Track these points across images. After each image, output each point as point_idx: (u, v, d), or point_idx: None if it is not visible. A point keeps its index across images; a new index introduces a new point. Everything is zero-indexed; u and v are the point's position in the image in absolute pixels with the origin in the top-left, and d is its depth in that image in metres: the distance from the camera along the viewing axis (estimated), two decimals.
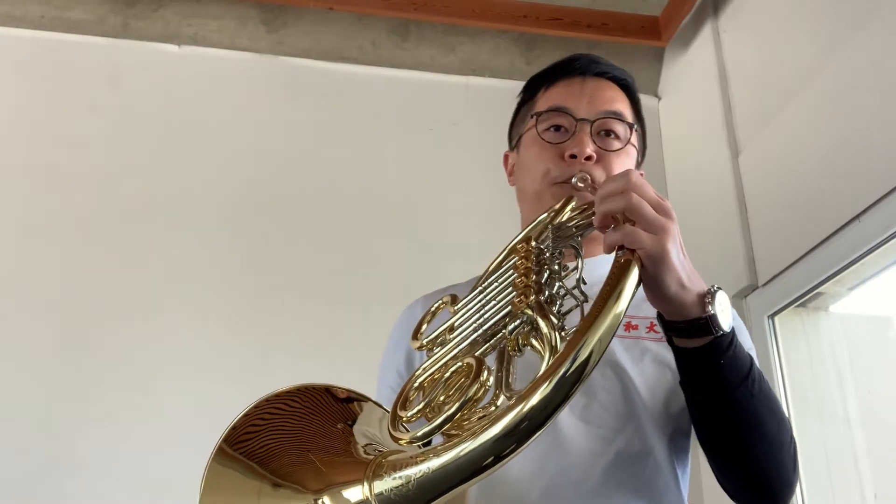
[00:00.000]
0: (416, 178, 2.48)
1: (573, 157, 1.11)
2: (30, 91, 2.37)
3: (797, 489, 1.94)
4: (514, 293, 0.83)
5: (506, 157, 1.30)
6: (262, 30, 2.54)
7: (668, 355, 1.04)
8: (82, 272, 2.19)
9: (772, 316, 2.10)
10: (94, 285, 2.18)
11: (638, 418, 1.02)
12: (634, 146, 1.18)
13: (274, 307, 2.23)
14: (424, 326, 1.01)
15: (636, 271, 0.79)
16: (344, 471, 0.75)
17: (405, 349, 1.16)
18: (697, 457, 2.53)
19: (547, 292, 0.82)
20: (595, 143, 1.12)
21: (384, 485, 0.70)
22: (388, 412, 0.83)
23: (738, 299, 2.20)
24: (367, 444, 0.79)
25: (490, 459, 0.64)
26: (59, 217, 2.23)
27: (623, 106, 1.19)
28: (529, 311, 0.79)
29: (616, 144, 1.15)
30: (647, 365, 1.06)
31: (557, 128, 1.15)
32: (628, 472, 1.00)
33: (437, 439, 0.72)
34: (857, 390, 1.99)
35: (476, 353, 0.81)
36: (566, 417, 1.01)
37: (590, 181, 1.06)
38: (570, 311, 0.81)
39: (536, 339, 0.78)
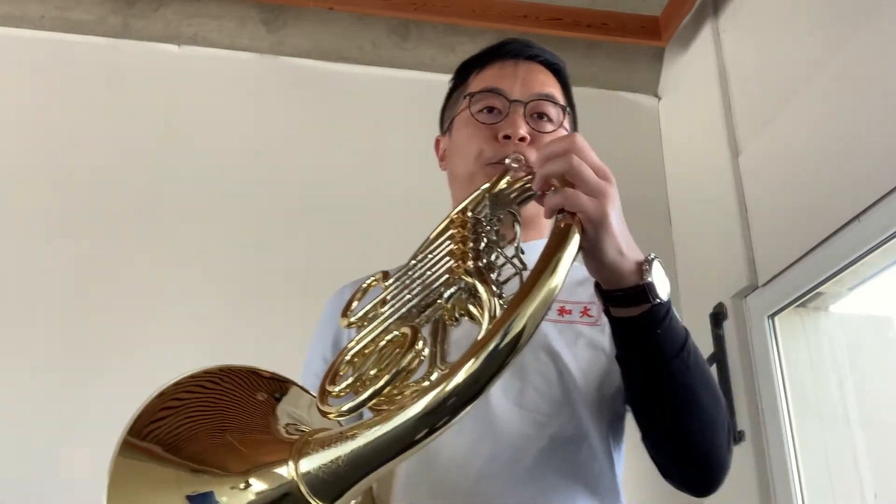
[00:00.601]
0: (416, 177, 2.47)
1: (507, 137, 1.10)
2: (30, 91, 2.37)
3: (797, 489, 1.94)
4: (451, 260, 0.80)
5: (437, 141, 1.30)
6: (262, 30, 2.54)
7: (602, 339, 1.06)
8: (82, 272, 2.19)
9: (772, 316, 2.10)
10: (94, 285, 2.18)
11: (572, 402, 1.02)
12: (566, 129, 1.17)
13: (274, 306, 2.23)
14: (355, 304, 0.97)
15: (577, 236, 0.78)
16: (267, 451, 0.72)
17: (332, 335, 1.15)
18: None
19: (485, 259, 0.80)
20: (528, 124, 1.12)
21: (311, 463, 0.67)
22: (314, 397, 0.80)
23: (738, 299, 2.20)
24: (289, 424, 0.77)
25: (423, 433, 0.63)
26: (59, 217, 2.23)
27: (555, 90, 1.18)
28: (468, 278, 0.77)
29: (549, 127, 1.14)
30: (581, 349, 1.06)
31: (490, 109, 1.14)
32: (563, 456, 1.00)
33: (369, 415, 0.70)
34: (857, 390, 1.99)
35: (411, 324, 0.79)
36: (500, 402, 1.00)
37: (524, 162, 1.04)
38: (508, 279, 0.79)
39: (475, 307, 0.76)
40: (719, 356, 2.21)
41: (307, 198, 2.39)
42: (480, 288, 0.75)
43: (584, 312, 1.09)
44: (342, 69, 2.57)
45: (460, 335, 0.81)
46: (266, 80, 2.52)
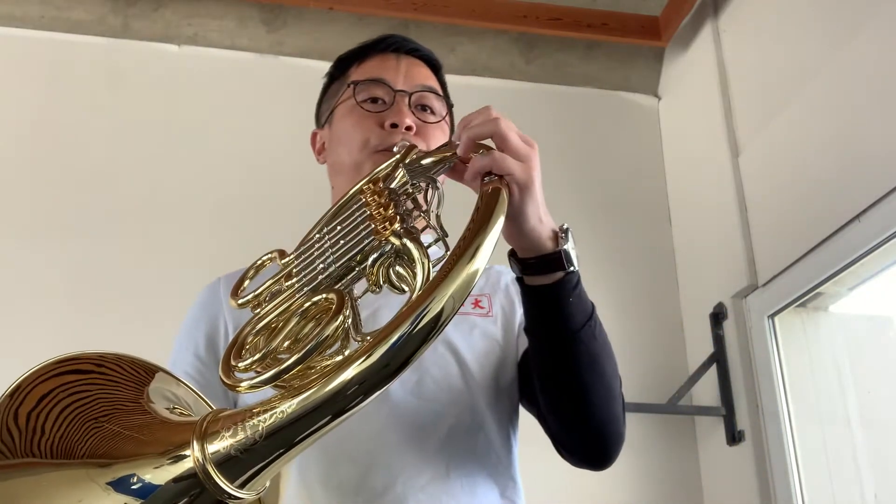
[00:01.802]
0: None
1: (394, 126, 1.09)
2: (30, 91, 2.37)
3: (797, 489, 1.94)
4: (374, 225, 0.77)
5: (314, 135, 1.27)
6: (262, 30, 2.54)
7: (495, 330, 1.08)
8: (81, 272, 2.19)
9: (772, 316, 2.10)
10: (93, 285, 2.18)
11: (471, 393, 1.03)
12: (447, 123, 1.17)
13: None
14: (247, 283, 0.92)
15: (506, 198, 0.77)
16: (167, 432, 0.66)
17: (206, 328, 1.11)
18: (698, 463, 2.52)
19: (409, 224, 0.77)
20: (414, 114, 1.12)
21: (222, 442, 0.62)
22: (184, 384, 0.75)
23: (738, 299, 2.20)
24: (172, 407, 0.71)
25: (355, 400, 0.60)
26: (59, 217, 2.23)
27: (435, 84, 1.19)
28: (395, 240, 0.74)
29: (432, 118, 1.14)
30: (477, 339, 1.07)
31: (375, 100, 1.14)
32: (462, 446, 1.01)
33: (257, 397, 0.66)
34: (857, 390, 1.99)
35: (335, 288, 0.76)
36: (398, 393, 1.01)
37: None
38: (429, 245, 0.77)
39: (405, 269, 0.74)
40: (719, 356, 2.21)
41: (307, 197, 2.38)
42: (412, 247, 0.73)
43: (476, 304, 1.11)
44: None
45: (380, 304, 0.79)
46: (266, 80, 2.52)
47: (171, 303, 2.20)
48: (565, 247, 0.88)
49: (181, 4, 2.49)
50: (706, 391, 2.25)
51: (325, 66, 2.77)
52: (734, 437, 2.12)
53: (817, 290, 1.98)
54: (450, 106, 1.20)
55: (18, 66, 2.39)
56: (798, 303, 2.03)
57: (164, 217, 2.29)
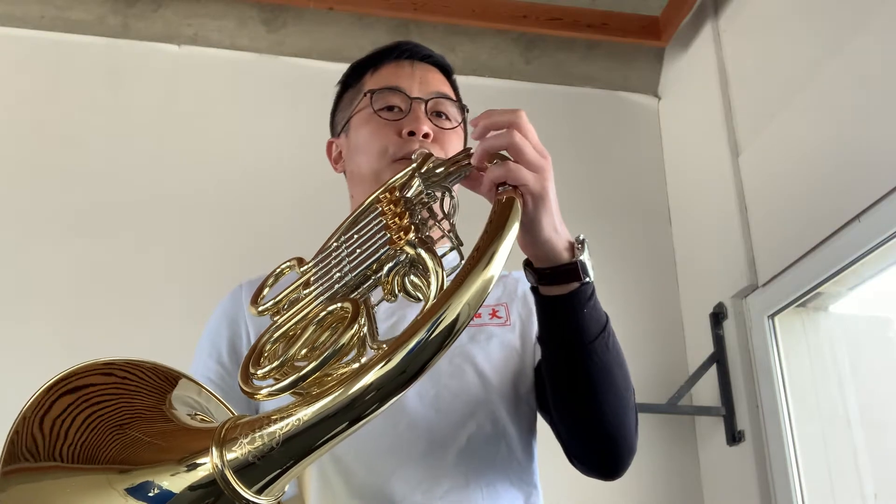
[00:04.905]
0: None
1: (411, 134, 1.10)
2: (30, 91, 2.37)
3: (797, 489, 1.94)
4: (388, 234, 0.78)
5: (329, 144, 1.27)
6: (262, 30, 2.54)
7: (513, 338, 1.09)
8: (81, 271, 2.19)
9: (772, 316, 2.10)
10: (94, 285, 2.18)
11: (490, 402, 1.04)
12: (463, 128, 1.18)
13: None
14: (266, 290, 0.93)
15: (520, 208, 0.78)
16: (187, 439, 0.67)
17: (228, 334, 1.11)
18: (698, 463, 2.52)
19: (424, 234, 0.78)
20: (430, 121, 1.12)
21: (240, 449, 0.63)
22: (207, 390, 0.76)
23: (738, 299, 2.20)
24: (194, 414, 0.73)
25: (371, 407, 0.61)
26: (59, 217, 2.23)
27: (449, 90, 1.19)
28: (410, 249, 0.75)
29: (448, 125, 1.15)
30: (495, 349, 1.07)
31: (391, 108, 1.14)
32: (482, 455, 1.01)
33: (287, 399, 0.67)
34: (857, 390, 1.99)
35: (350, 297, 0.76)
36: (417, 408, 1.01)
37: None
38: (444, 254, 0.77)
39: (419, 279, 0.75)
40: (719, 356, 2.21)
41: (308, 197, 2.39)
42: (427, 257, 0.74)
43: (493, 314, 1.11)
44: (342, 69, 2.55)
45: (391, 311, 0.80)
46: (266, 80, 2.52)
47: (172, 302, 2.22)
48: (581, 257, 0.88)
49: (181, 4, 2.49)
50: (706, 391, 2.25)
51: (325, 66, 2.79)
52: (734, 437, 2.12)
53: (817, 290, 1.98)
54: (465, 110, 1.19)
55: (18, 66, 2.39)
56: (798, 303, 2.03)
57: (164, 217, 2.29)
